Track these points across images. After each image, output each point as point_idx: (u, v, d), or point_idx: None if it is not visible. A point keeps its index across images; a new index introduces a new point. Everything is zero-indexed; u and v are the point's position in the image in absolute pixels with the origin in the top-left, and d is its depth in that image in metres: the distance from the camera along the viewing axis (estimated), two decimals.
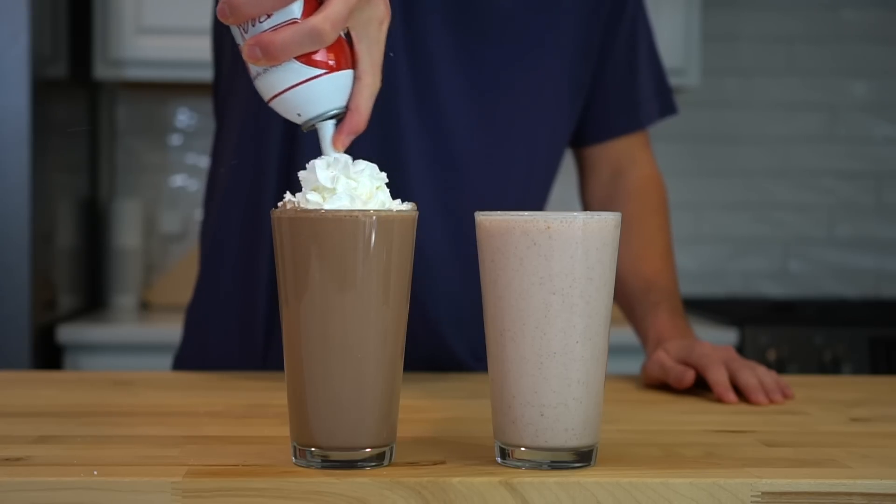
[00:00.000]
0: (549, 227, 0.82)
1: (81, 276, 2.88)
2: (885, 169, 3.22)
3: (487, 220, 0.85)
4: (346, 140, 0.89)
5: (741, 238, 3.24)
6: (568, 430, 0.83)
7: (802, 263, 3.24)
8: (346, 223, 0.81)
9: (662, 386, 1.25)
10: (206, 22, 1.53)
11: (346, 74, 0.89)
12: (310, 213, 0.82)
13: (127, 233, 2.94)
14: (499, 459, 0.85)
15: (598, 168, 1.53)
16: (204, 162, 3.15)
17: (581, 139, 1.52)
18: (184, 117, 3.16)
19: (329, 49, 0.87)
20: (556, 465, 0.83)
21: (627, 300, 1.43)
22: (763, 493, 0.80)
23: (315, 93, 0.88)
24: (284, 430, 0.88)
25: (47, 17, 2.53)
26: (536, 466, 0.83)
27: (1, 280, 2.40)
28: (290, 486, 0.79)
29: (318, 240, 0.81)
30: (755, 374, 1.19)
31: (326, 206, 0.82)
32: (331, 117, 0.89)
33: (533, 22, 1.40)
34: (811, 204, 3.24)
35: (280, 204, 0.85)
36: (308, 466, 0.83)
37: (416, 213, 0.85)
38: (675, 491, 0.80)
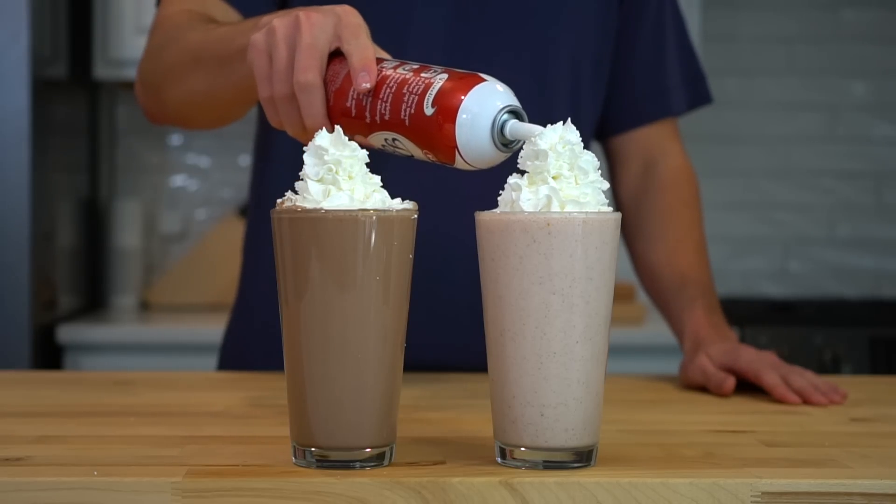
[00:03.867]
0: (548, 224, 0.82)
1: (81, 276, 2.88)
2: (885, 169, 3.22)
3: (487, 218, 0.84)
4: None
5: (741, 238, 3.24)
6: (568, 430, 0.83)
7: (802, 263, 3.24)
8: (347, 223, 0.81)
9: (661, 385, 1.25)
10: None
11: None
12: (310, 213, 0.82)
13: (127, 233, 2.94)
14: (499, 459, 0.85)
15: (629, 160, 1.50)
16: (204, 162, 3.15)
17: (609, 128, 1.50)
18: None
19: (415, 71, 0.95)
20: (556, 465, 0.83)
21: (662, 296, 1.41)
22: (763, 493, 0.80)
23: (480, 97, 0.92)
24: (284, 430, 0.88)
25: (47, 17, 2.53)
26: (536, 466, 0.83)
27: (1, 280, 2.40)
28: (290, 486, 0.79)
29: (319, 240, 0.81)
30: (805, 378, 1.19)
31: (326, 206, 0.82)
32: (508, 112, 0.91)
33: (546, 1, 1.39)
34: (811, 204, 3.24)
35: (279, 202, 0.85)
36: (308, 466, 0.83)
37: (416, 213, 0.85)
38: (675, 491, 0.80)
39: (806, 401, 1.16)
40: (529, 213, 0.82)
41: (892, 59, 3.24)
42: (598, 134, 1.51)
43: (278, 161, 1.46)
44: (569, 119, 0.86)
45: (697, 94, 1.53)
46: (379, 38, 1.37)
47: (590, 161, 0.84)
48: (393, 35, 1.37)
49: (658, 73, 1.49)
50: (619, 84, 1.48)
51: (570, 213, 0.82)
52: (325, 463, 0.83)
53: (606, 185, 0.85)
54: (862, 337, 2.62)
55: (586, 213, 0.82)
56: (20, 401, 1.15)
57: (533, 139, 0.84)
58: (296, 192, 0.84)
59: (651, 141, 1.50)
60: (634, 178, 1.49)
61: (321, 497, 0.79)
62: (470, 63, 1.36)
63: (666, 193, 1.46)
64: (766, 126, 3.23)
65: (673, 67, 1.50)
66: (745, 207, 3.24)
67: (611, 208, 0.85)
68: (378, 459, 0.84)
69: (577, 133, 0.84)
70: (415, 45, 1.37)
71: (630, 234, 1.47)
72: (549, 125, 0.85)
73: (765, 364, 1.21)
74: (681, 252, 1.42)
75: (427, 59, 1.36)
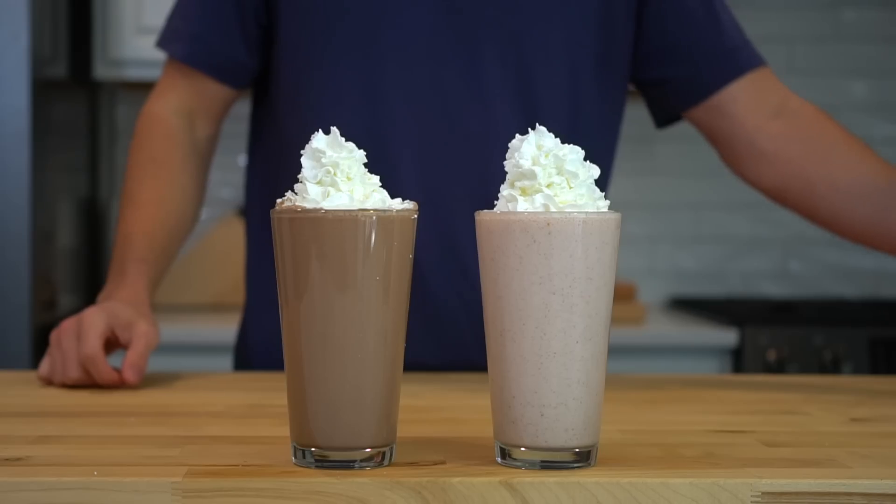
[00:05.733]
0: (548, 224, 0.82)
1: (81, 276, 2.88)
2: None
3: (487, 218, 0.84)
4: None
5: (741, 238, 3.24)
6: (568, 430, 0.83)
7: (802, 263, 3.24)
8: (346, 223, 0.81)
9: (661, 385, 1.25)
10: None
11: None
12: (310, 213, 0.82)
13: None
14: (499, 459, 0.85)
15: (744, 114, 1.44)
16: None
17: (678, 105, 1.47)
18: None
19: None
20: (556, 465, 0.83)
21: (880, 198, 1.39)
22: (763, 493, 0.80)
23: None
24: (284, 430, 0.88)
25: (47, 17, 2.53)
26: (536, 466, 0.83)
27: (1, 280, 2.40)
28: (290, 486, 0.79)
29: (318, 240, 0.81)
30: None
31: (326, 206, 0.82)
32: None
33: None
34: None
35: (279, 202, 0.85)
36: (308, 466, 0.83)
37: (416, 213, 0.85)
38: (675, 491, 0.80)
39: None
40: (529, 212, 0.82)
41: (892, 59, 3.24)
42: (685, 105, 1.46)
43: (269, 162, 1.48)
44: (542, 128, 0.85)
45: (755, 54, 1.48)
46: (364, 29, 1.37)
47: (575, 160, 0.83)
48: (378, 27, 1.37)
49: (718, 34, 1.45)
50: (675, 58, 1.44)
51: (569, 212, 0.82)
52: (324, 463, 0.83)
53: (597, 171, 0.85)
54: (862, 337, 2.62)
55: (586, 212, 0.82)
56: (20, 401, 1.15)
57: (514, 158, 0.84)
58: (295, 193, 0.84)
59: (759, 90, 1.44)
60: (768, 124, 1.43)
61: (321, 497, 0.79)
62: (454, 56, 1.37)
63: (828, 122, 1.46)
64: None
65: (729, 28, 1.47)
66: (745, 207, 3.24)
67: (608, 202, 0.85)
68: (378, 459, 0.84)
69: (551, 135, 0.84)
70: (399, 39, 1.37)
71: (811, 163, 1.43)
72: (517, 135, 0.85)
73: None
74: (871, 158, 1.43)
75: (411, 51, 1.37)
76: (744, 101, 1.44)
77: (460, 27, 1.37)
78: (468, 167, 1.39)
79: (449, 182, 1.39)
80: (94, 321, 1.22)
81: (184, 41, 1.47)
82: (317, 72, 1.40)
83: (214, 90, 1.47)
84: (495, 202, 0.86)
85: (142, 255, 1.36)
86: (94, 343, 1.19)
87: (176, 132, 1.45)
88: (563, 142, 0.84)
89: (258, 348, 1.49)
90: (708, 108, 1.45)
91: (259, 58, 1.46)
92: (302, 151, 0.84)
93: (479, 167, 1.38)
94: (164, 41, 1.50)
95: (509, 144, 0.85)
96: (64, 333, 1.23)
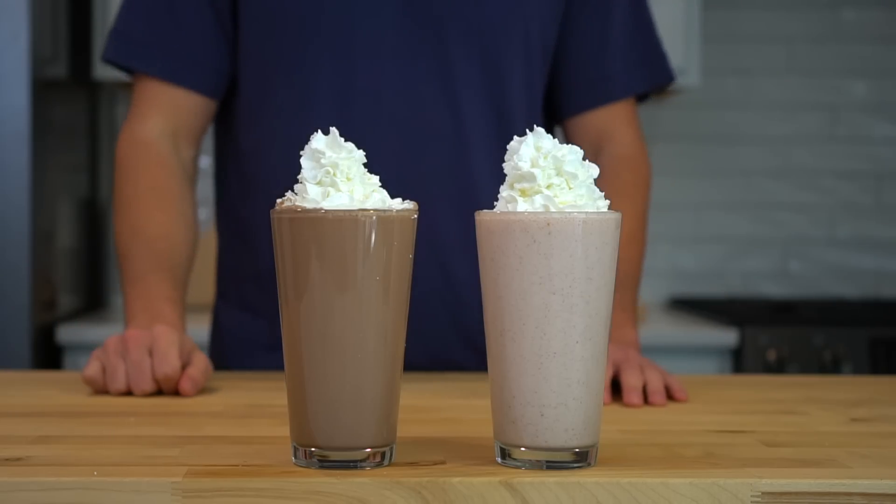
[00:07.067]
0: (549, 224, 0.82)
1: (81, 276, 2.88)
2: (885, 169, 3.22)
3: (487, 218, 0.84)
4: None
5: (741, 238, 3.24)
6: (568, 431, 0.83)
7: (802, 263, 3.24)
8: (346, 223, 0.81)
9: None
10: None
11: None
12: (309, 213, 0.82)
13: None
14: (499, 459, 0.85)
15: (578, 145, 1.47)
16: (204, 162, 3.15)
17: (560, 113, 1.47)
18: None
19: None
20: (556, 465, 0.83)
21: None
22: (763, 493, 0.80)
23: None
24: (284, 430, 0.87)
25: (47, 17, 2.53)
26: (536, 466, 0.83)
27: (1, 280, 2.40)
28: (290, 486, 0.79)
29: (318, 240, 0.81)
30: (641, 377, 1.19)
31: (326, 206, 0.82)
32: None
33: None
34: (811, 204, 3.24)
35: (279, 202, 0.84)
36: (308, 466, 0.83)
37: (416, 213, 0.85)
38: (675, 491, 0.80)
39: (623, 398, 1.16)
40: (529, 212, 0.82)
41: (892, 59, 3.24)
42: (553, 117, 1.47)
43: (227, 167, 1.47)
44: (540, 127, 0.85)
45: (653, 75, 1.47)
46: (329, 23, 1.36)
47: (574, 161, 0.83)
48: (343, 23, 1.36)
49: (600, 58, 1.44)
50: (564, 67, 1.45)
51: (569, 212, 0.82)
52: (325, 463, 0.83)
53: (596, 170, 0.85)
54: (862, 337, 2.62)
55: (586, 213, 0.82)
56: (20, 401, 1.15)
57: (513, 160, 0.84)
58: (295, 193, 0.84)
59: (599, 125, 1.45)
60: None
61: (321, 497, 0.79)
62: (420, 51, 1.36)
63: (600, 183, 1.42)
64: (766, 126, 3.23)
65: (619, 52, 1.45)
66: (745, 207, 3.24)
67: (608, 202, 0.85)
68: (378, 459, 0.84)
69: (549, 136, 0.84)
70: (364, 32, 1.36)
71: None
72: (514, 137, 0.85)
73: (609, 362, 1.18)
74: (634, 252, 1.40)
75: (376, 45, 1.36)
76: (583, 131, 1.46)
77: (422, 20, 1.36)
78: (441, 164, 1.38)
79: (423, 180, 1.38)
80: (171, 339, 1.19)
81: (160, 56, 1.40)
82: (285, 77, 1.37)
83: (199, 106, 1.42)
84: (496, 202, 0.86)
85: (169, 294, 1.32)
86: (175, 364, 1.16)
87: (167, 158, 1.40)
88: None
89: (234, 346, 1.48)
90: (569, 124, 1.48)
91: (232, 63, 1.41)
92: (301, 153, 0.84)
93: (451, 164, 1.38)
94: (128, 56, 1.44)
95: (507, 146, 0.85)
96: (133, 344, 1.18)
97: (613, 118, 1.46)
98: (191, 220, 1.41)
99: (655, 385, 1.17)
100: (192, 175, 1.45)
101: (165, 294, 1.31)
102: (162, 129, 1.41)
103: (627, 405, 1.14)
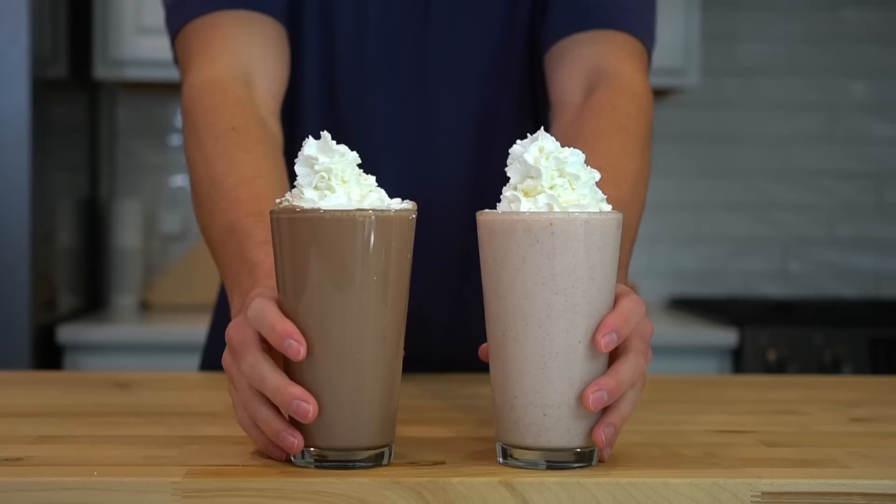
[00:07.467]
0: (551, 224, 0.82)
1: (81, 276, 2.88)
2: (885, 169, 3.22)
3: (490, 218, 0.84)
4: None
5: (741, 238, 3.24)
6: (570, 431, 0.83)
7: (802, 263, 3.24)
8: (345, 223, 0.81)
9: (661, 385, 1.25)
10: None
11: None
12: (308, 213, 0.82)
13: (127, 233, 2.94)
14: (500, 459, 0.85)
15: (569, 83, 1.26)
16: None
17: (549, 39, 1.31)
18: None
19: None
20: (557, 465, 0.83)
21: None
22: (763, 493, 0.80)
23: None
24: None
25: (47, 17, 2.53)
26: (538, 466, 0.83)
27: (1, 280, 2.40)
28: (290, 486, 0.79)
29: (317, 240, 0.81)
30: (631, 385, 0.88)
31: (324, 206, 0.82)
32: None
33: None
34: (811, 204, 3.24)
35: (277, 202, 0.84)
36: (307, 466, 0.83)
37: (414, 213, 0.85)
38: (675, 491, 0.80)
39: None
40: (532, 212, 0.82)
41: (892, 59, 3.25)
42: (539, 55, 1.34)
43: None
44: (541, 129, 0.85)
45: (650, 30, 1.32)
46: (322, 30, 1.35)
47: (576, 163, 0.84)
48: (333, 31, 1.35)
49: None
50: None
51: (572, 212, 0.82)
52: (324, 463, 0.83)
53: (597, 174, 0.85)
54: (862, 337, 2.62)
55: (588, 212, 0.82)
56: (20, 401, 1.15)
57: (515, 163, 0.84)
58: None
59: (591, 62, 1.26)
60: (573, 109, 1.25)
61: (321, 497, 0.79)
62: (423, 62, 1.36)
63: (599, 116, 1.19)
64: (766, 126, 3.23)
65: None
66: (745, 207, 3.24)
67: (610, 206, 0.85)
68: (377, 459, 0.84)
69: (552, 138, 0.84)
70: (355, 40, 1.35)
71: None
72: (517, 141, 0.85)
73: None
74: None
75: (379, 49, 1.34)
76: (579, 62, 1.28)
77: (422, 27, 1.36)
78: (429, 165, 1.38)
79: (412, 181, 1.37)
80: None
81: None
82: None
83: (279, 38, 1.25)
84: (500, 201, 0.86)
85: (264, 237, 1.01)
86: (275, 382, 0.86)
87: (244, 98, 1.20)
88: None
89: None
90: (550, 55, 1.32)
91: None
92: (296, 160, 0.84)
93: (438, 162, 1.38)
94: (189, 4, 1.25)
95: (510, 150, 0.85)
96: (236, 371, 0.89)
97: (610, 53, 1.26)
98: (282, 165, 1.17)
99: (623, 412, 0.87)
100: (278, 141, 1.22)
101: (260, 238, 1.02)
102: (235, 73, 1.22)
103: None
